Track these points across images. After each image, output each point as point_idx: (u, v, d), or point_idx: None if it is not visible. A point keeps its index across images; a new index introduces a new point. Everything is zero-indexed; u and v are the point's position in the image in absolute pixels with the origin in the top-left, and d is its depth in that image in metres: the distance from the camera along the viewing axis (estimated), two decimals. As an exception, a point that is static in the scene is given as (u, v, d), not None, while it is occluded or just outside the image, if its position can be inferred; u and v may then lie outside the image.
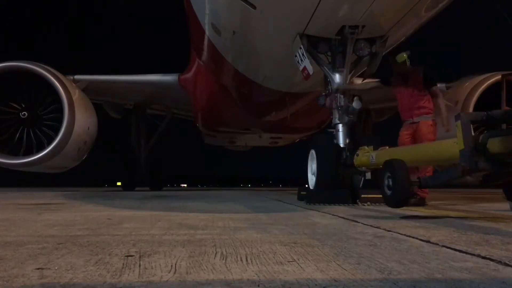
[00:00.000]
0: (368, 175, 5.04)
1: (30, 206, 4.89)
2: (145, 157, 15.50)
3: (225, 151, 21.79)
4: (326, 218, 3.23)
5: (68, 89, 10.45)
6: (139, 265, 1.39)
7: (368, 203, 4.92)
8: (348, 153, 5.08)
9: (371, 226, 2.58)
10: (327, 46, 5.44)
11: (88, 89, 12.34)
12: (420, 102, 5.67)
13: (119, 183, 16.78)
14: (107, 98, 14.34)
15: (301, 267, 1.37)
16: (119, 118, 15.73)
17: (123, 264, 1.42)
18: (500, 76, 10.13)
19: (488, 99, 9.84)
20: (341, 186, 5.20)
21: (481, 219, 3.17)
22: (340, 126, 5.37)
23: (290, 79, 8.10)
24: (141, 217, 3.24)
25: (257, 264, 1.42)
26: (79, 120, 10.52)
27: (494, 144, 2.64)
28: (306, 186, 5.90)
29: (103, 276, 1.25)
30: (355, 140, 5.29)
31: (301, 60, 5.41)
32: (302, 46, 5.36)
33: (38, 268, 1.35)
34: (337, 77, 5.35)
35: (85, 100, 11.45)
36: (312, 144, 5.88)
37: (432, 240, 1.95)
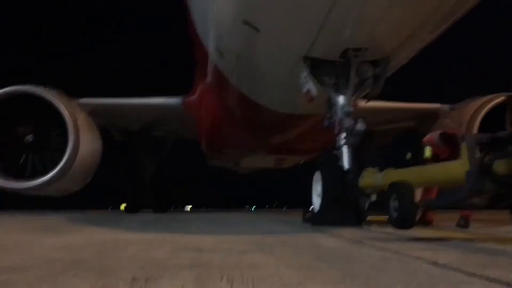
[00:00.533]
0: (374, 197, 5.01)
1: (35, 229, 4.88)
2: (150, 179, 15.47)
3: (230, 173, 21.74)
4: (332, 240, 3.21)
5: (73, 112, 10.52)
6: (146, 289, 1.39)
7: (375, 224, 4.89)
8: (353, 175, 5.07)
9: (377, 248, 2.57)
10: (330, 69, 5.48)
11: (92, 113, 12.42)
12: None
13: (122, 206, 16.71)
14: (112, 121, 14.40)
15: (308, 290, 1.36)
16: (124, 141, 15.77)
17: (129, 287, 1.41)
18: (504, 98, 10.15)
19: (492, 120, 9.83)
20: (347, 208, 5.17)
21: (488, 241, 3.14)
22: (345, 148, 5.37)
23: (294, 101, 8.12)
24: (146, 240, 3.23)
25: (263, 287, 1.41)
26: (84, 143, 10.56)
27: (501, 166, 2.63)
28: (311, 208, 5.87)
29: (110, 299, 1.24)
30: (360, 161, 5.28)
31: (305, 82, 5.45)
32: (305, 69, 5.41)
33: (45, 292, 1.35)
34: (341, 99, 5.38)
35: (90, 123, 11.51)
36: (317, 166, 5.87)
37: (440, 262, 1.94)
